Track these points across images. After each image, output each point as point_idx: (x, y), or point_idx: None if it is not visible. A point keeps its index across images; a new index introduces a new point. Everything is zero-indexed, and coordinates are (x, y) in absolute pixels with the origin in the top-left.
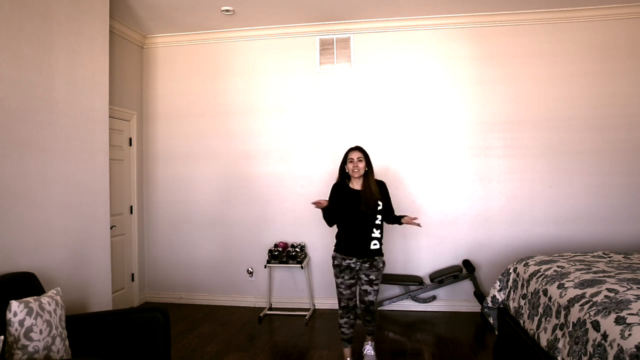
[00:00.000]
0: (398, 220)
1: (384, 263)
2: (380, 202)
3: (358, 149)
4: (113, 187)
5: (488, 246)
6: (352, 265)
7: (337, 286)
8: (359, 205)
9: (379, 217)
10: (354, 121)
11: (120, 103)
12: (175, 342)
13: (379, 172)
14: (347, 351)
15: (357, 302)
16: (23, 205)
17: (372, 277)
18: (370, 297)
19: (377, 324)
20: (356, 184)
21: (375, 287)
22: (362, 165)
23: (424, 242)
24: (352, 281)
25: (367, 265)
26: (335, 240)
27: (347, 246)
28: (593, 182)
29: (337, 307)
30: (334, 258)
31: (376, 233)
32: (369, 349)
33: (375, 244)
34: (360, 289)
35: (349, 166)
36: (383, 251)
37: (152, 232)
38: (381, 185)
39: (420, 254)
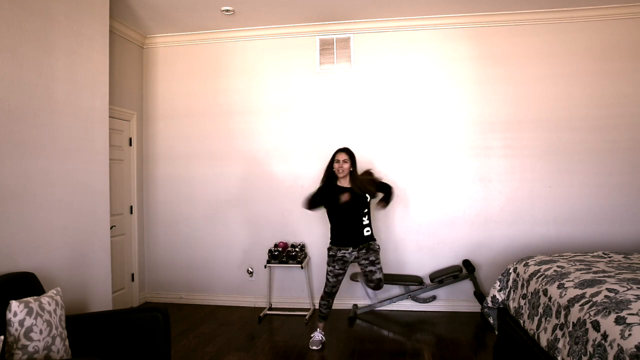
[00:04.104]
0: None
1: (379, 246)
2: (367, 195)
3: (344, 150)
4: (113, 187)
5: (488, 246)
6: (347, 257)
7: (327, 273)
8: (350, 200)
9: (366, 209)
10: (354, 121)
11: (120, 103)
12: (175, 342)
13: (379, 171)
14: (321, 325)
15: (366, 282)
16: (23, 205)
17: (372, 258)
18: (377, 275)
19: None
20: (344, 182)
21: (379, 266)
22: (346, 166)
23: (424, 242)
24: (341, 271)
25: (363, 250)
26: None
27: (343, 238)
28: (593, 182)
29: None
30: (329, 249)
31: (365, 220)
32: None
33: (367, 231)
34: (365, 270)
35: (335, 166)
36: (375, 236)
37: (152, 232)
38: (368, 174)
39: (420, 254)
